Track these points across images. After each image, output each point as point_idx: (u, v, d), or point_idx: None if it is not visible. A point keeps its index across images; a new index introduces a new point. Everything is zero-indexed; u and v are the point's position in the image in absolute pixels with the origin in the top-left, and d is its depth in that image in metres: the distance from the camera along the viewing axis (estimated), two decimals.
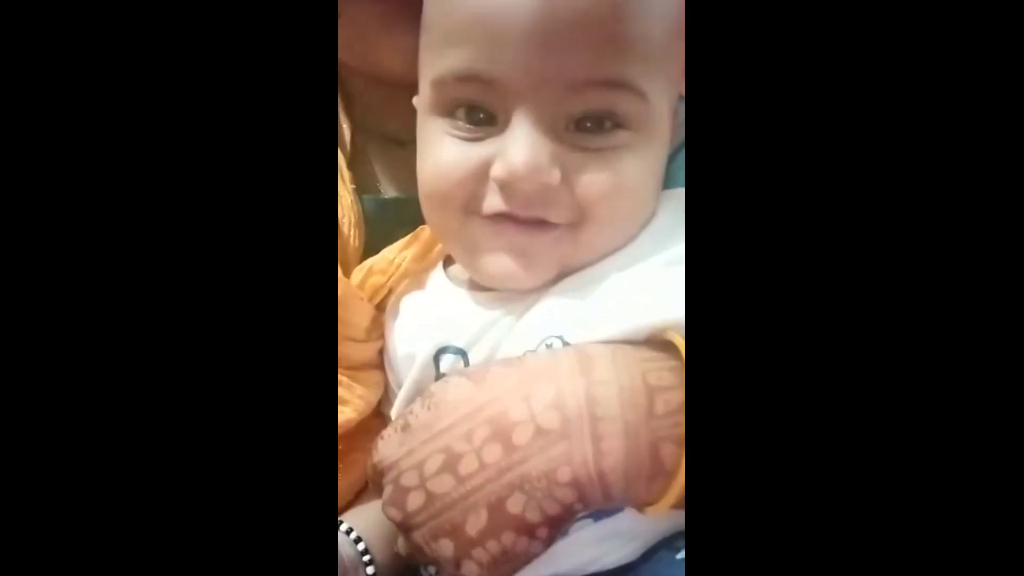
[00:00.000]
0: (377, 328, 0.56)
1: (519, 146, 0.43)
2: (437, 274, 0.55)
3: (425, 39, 0.47)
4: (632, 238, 0.48)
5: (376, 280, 0.55)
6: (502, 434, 0.41)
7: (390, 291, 0.56)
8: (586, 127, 0.44)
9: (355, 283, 0.55)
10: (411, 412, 0.44)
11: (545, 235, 0.45)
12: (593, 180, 0.44)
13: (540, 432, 0.40)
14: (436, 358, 0.49)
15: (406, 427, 0.44)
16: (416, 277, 0.56)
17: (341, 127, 0.60)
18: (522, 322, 0.47)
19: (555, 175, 0.43)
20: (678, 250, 0.46)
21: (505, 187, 0.44)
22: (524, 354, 0.45)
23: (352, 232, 0.56)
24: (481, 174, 0.44)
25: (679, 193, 0.49)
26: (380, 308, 0.56)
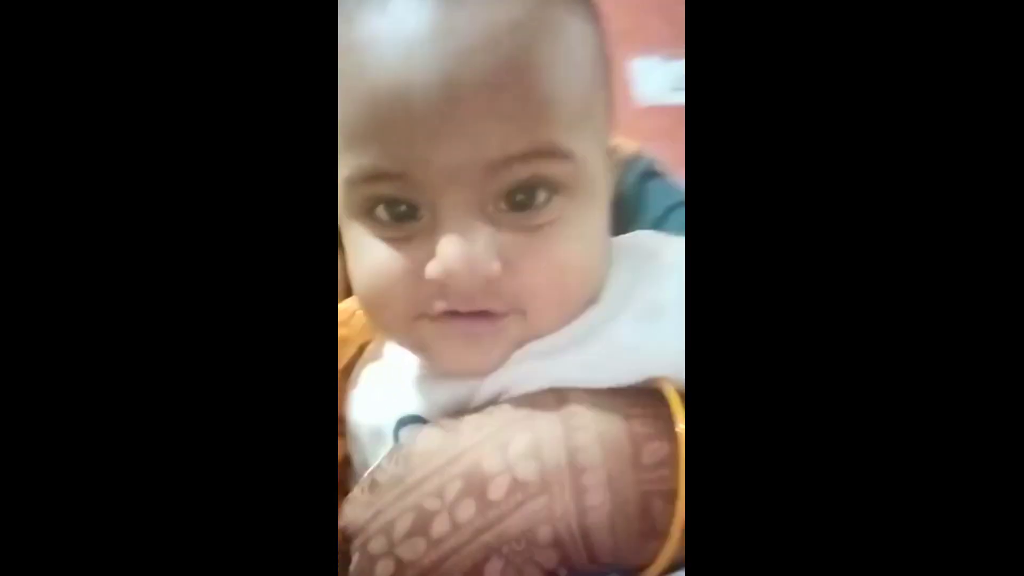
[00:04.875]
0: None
1: (450, 243, 0.39)
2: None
3: (340, 138, 0.43)
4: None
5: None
6: (476, 488, 0.37)
7: (354, 345, 0.52)
8: (518, 201, 0.39)
9: None
10: (379, 468, 0.41)
11: (494, 324, 0.41)
12: (535, 265, 0.40)
13: (517, 485, 0.37)
14: (396, 430, 0.45)
15: (374, 485, 0.40)
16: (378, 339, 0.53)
17: None
18: (487, 384, 0.43)
19: (494, 267, 0.39)
20: (647, 300, 0.43)
21: (443, 286, 0.39)
22: (500, 402, 0.42)
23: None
24: (416, 276, 0.40)
25: (631, 239, 0.47)
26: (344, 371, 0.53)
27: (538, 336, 0.42)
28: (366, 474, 0.43)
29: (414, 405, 0.45)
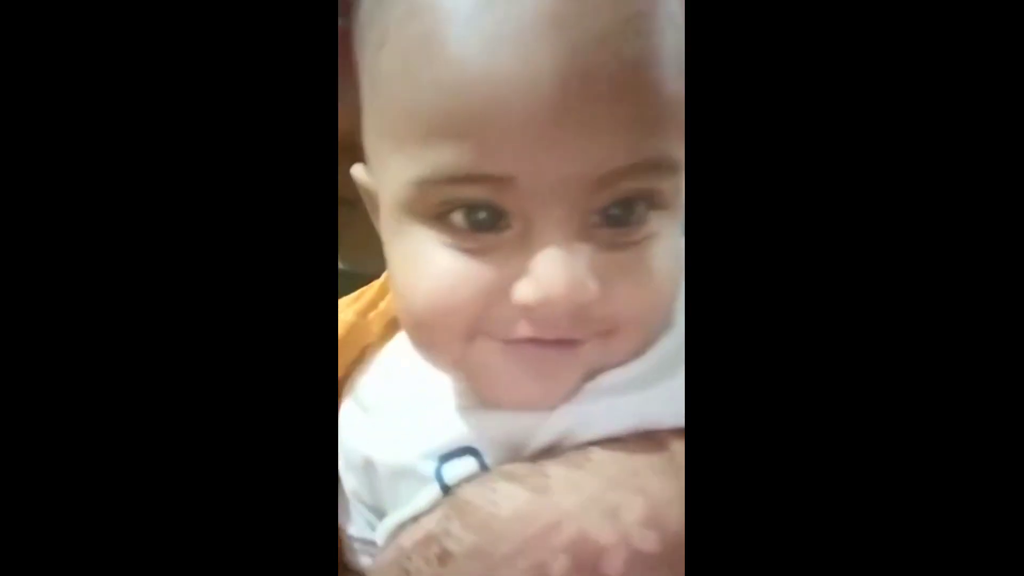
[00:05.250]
0: None
1: (552, 263, 0.33)
2: (400, 352, 0.44)
3: (388, 128, 0.36)
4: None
5: None
6: (587, 564, 0.32)
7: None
8: (612, 216, 0.35)
9: None
10: (447, 535, 0.35)
11: (572, 352, 0.36)
12: (628, 287, 0.35)
13: (637, 558, 0.33)
14: (439, 469, 0.39)
15: (445, 557, 0.34)
16: (364, 351, 0.46)
17: None
18: (557, 420, 0.37)
19: (594, 291, 0.34)
20: None
21: (532, 311, 0.34)
22: (586, 450, 0.36)
23: None
24: (496, 295, 0.35)
25: None
26: None
27: (614, 363, 0.37)
28: (415, 536, 0.37)
29: (458, 438, 0.39)
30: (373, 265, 0.50)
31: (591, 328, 0.35)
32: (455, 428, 0.39)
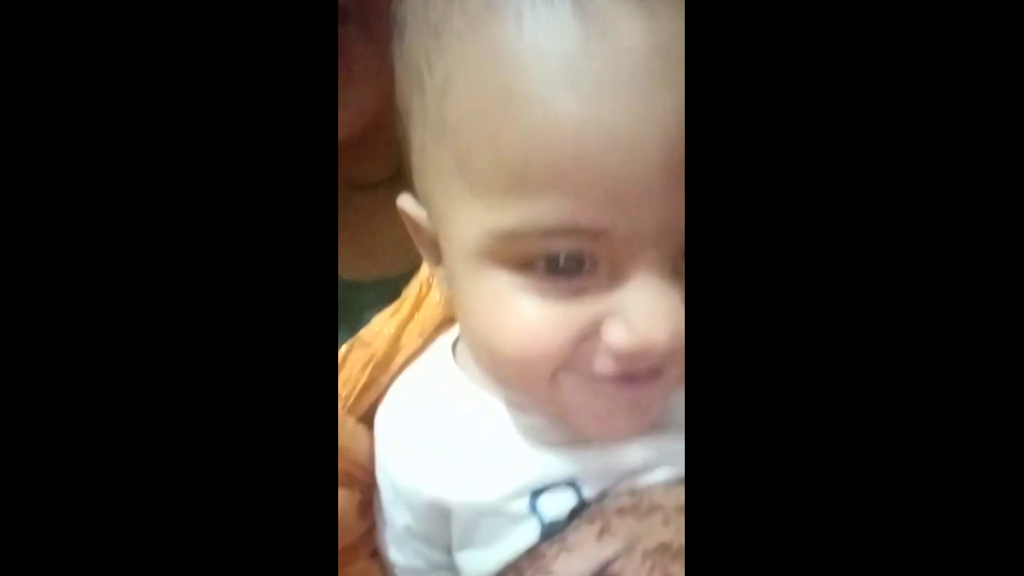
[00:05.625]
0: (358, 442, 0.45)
1: (648, 307, 0.33)
2: (448, 376, 0.43)
3: (462, 174, 0.34)
4: None
5: (359, 355, 0.44)
6: None
7: (379, 369, 0.45)
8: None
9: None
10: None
11: (657, 382, 0.36)
12: None
13: None
14: (533, 502, 0.39)
15: None
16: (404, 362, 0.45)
17: None
18: (661, 443, 0.38)
19: (683, 326, 0.33)
20: None
21: (629, 355, 0.34)
22: None
23: None
24: (586, 338, 0.34)
25: None
26: (365, 419, 0.45)
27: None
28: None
29: (552, 472, 0.38)
30: (373, 271, 0.52)
31: (677, 354, 0.34)
32: (545, 462, 0.39)
